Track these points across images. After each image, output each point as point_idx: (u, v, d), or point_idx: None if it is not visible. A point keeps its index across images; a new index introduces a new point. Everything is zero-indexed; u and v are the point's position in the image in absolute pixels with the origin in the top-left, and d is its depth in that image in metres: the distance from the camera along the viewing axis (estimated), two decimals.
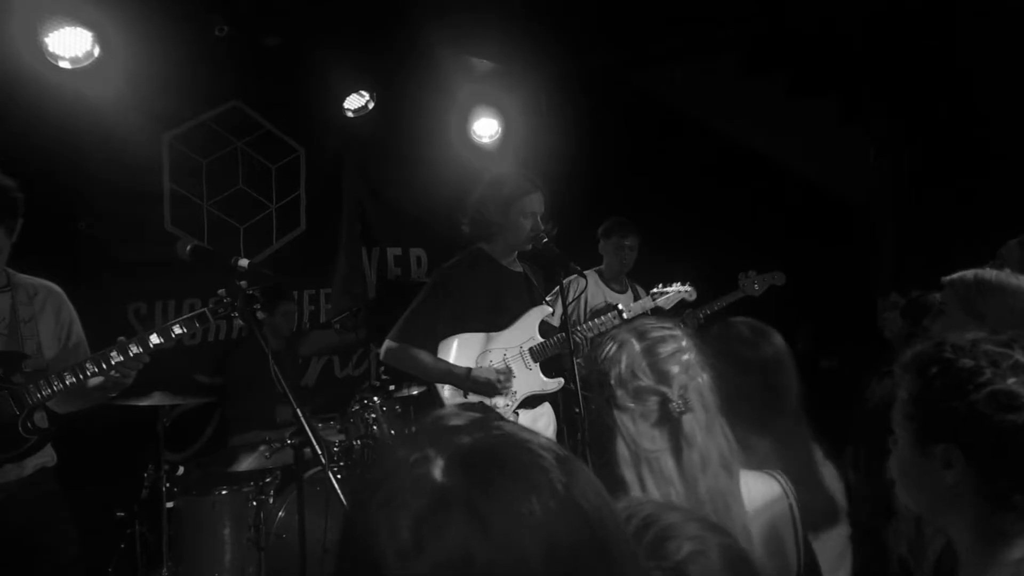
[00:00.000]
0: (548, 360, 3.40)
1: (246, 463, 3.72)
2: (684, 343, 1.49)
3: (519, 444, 0.70)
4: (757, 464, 1.59)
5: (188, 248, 2.52)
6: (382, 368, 4.59)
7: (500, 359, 3.29)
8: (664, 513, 0.92)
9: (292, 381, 4.18)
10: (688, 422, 1.43)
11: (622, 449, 1.42)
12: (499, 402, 3.24)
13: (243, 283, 2.42)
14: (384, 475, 0.70)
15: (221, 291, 2.50)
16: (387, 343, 3.27)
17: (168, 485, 3.51)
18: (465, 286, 3.25)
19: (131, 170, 4.29)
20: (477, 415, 0.73)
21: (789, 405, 1.92)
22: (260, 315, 2.45)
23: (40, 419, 2.55)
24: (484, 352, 3.27)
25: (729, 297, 4.20)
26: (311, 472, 3.52)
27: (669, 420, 1.43)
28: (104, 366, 2.49)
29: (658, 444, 1.43)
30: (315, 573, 3.33)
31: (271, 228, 4.98)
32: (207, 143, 4.67)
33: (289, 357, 4.64)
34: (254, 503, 3.55)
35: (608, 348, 1.48)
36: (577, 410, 2.47)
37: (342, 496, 2.19)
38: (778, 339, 1.99)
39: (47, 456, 2.65)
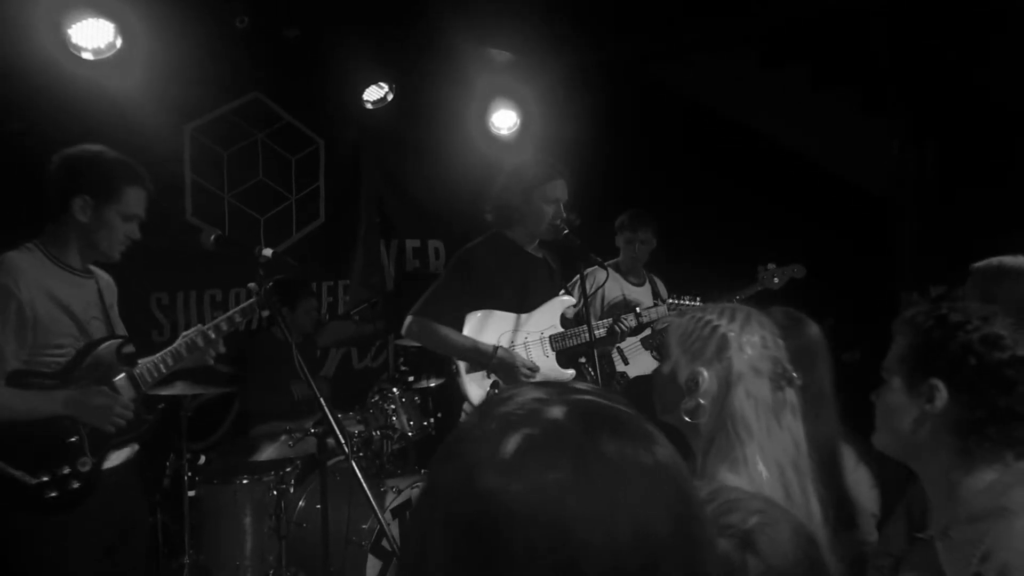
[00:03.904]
0: (563, 351, 3.39)
1: (267, 452, 3.75)
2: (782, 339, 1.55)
3: (636, 418, 0.71)
4: None
5: (212, 238, 2.59)
6: (401, 359, 4.60)
7: (522, 342, 3.28)
8: (728, 490, 0.93)
9: (312, 371, 4.22)
10: (792, 397, 1.46)
11: (743, 401, 1.42)
12: None
13: (263, 274, 2.48)
14: (501, 402, 0.70)
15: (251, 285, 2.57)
16: (409, 319, 3.27)
17: (190, 474, 3.54)
18: (487, 266, 3.25)
19: (153, 161, 4.25)
20: (602, 389, 0.75)
21: (822, 397, 1.90)
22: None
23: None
24: (506, 332, 3.26)
25: (747, 290, 4.09)
26: (332, 462, 3.54)
27: (779, 389, 1.46)
28: (193, 349, 2.62)
29: (770, 403, 1.44)
30: (337, 562, 3.36)
31: (291, 219, 5.00)
32: (228, 135, 4.69)
33: (308, 348, 4.66)
34: (275, 492, 3.57)
35: (735, 312, 1.51)
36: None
37: (365, 486, 2.21)
38: (813, 328, 1.97)
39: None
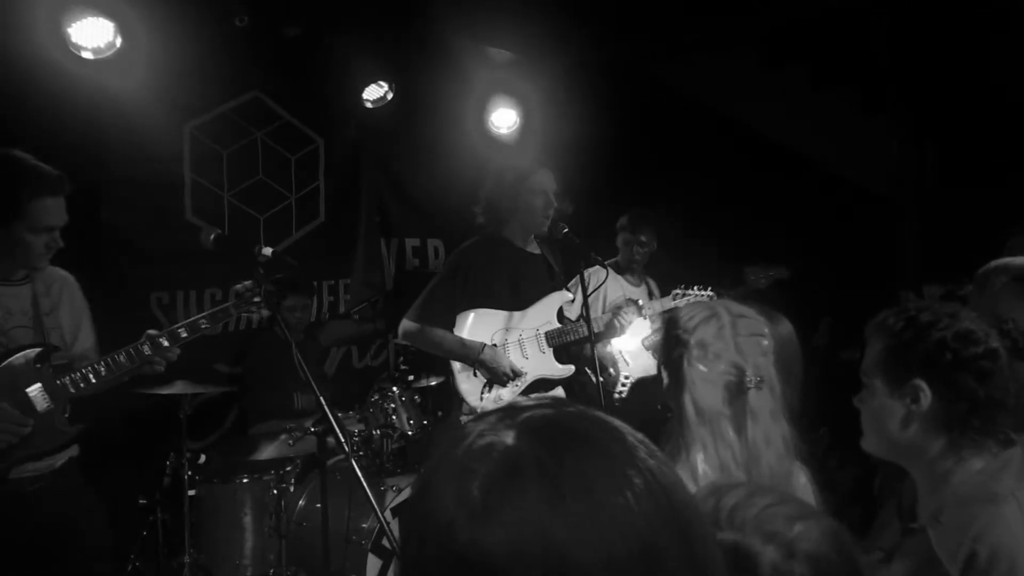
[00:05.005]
0: (561, 347, 3.40)
1: (267, 451, 3.75)
2: (766, 331, 1.56)
3: (597, 420, 0.67)
4: None
5: (212, 237, 2.56)
6: (401, 358, 4.60)
7: (516, 339, 3.30)
8: (765, 492, 0.93)
9: (313, 371, 4.22)
10: (756, 399, 1.48)
11: (688, 406, 1.47)
12: (505, 389, 3.26)
13: (262, 272, 2.45)
14: (452, 444, 0.67)
15: (240, 286, 2.53)
16: (404, 323, 3.33)
17: (190, 473, 3.53)
18: (482, 266, 3.28)
19: (152, 160, 4.30)
20: (551, 400, 0.71)
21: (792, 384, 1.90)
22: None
23: (68, 410, 2.55)
24: (499, 331, 3.29)
25: (734, 291, 4.08)
26: (332, 461, 3.54)
27: (739, 392, 1.48)
28: (136, 358, 2.51)
29: (722, 409, 1.48)
30: (337, 561, 3.36)
31: (291, 219, 5.00)
32: (228, 134, 4.68)
33: (309, 347, 4.66)
34: (275, 491, 3.58)
35: (696, 313, 1.54)
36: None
37: (365, 485, 2.21)
38: (785, 326, 1.97)
39: (74, 447, 2.64)
